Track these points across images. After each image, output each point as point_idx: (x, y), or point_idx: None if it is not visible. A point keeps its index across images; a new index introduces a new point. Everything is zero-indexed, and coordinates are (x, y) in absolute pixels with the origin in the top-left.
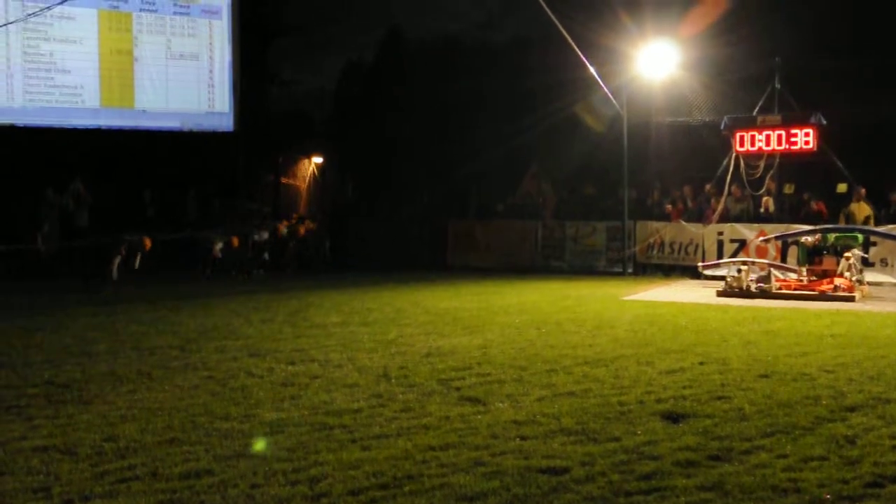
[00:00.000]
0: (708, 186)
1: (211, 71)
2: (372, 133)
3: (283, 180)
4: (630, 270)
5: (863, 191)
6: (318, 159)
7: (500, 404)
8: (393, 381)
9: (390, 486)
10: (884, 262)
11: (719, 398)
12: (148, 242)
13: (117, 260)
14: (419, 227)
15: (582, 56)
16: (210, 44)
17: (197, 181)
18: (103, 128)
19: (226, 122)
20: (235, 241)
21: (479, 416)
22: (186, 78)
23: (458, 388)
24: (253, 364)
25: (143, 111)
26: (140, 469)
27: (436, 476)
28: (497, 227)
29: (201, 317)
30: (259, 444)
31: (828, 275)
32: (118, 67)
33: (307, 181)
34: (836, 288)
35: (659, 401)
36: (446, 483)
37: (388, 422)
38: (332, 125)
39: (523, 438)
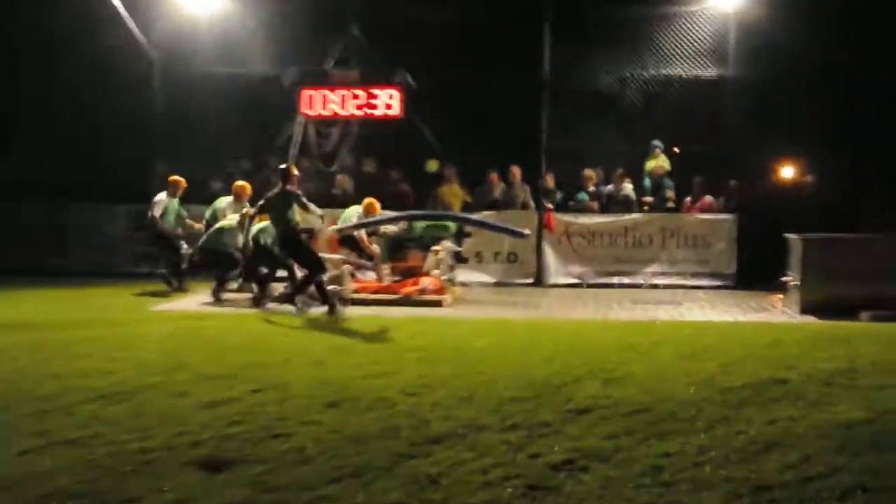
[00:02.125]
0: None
1: None
2: None
3: None
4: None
5: (453, 171)
6: None
7: None
8: None
9: None
10: (478, 257)
11: (276, 436)
12: None
13: None
14: None
15: None
16: None
17: None
18: None
19: None
20: None
21: None
22: None
23: None
24: None
25: None
26: None
27: None
28: None
29: None
30: None
31: (413, 273)
32: None
33: None
34: (422, 290)
35: (196, 444)
36: None
37: None
38: None
39: None
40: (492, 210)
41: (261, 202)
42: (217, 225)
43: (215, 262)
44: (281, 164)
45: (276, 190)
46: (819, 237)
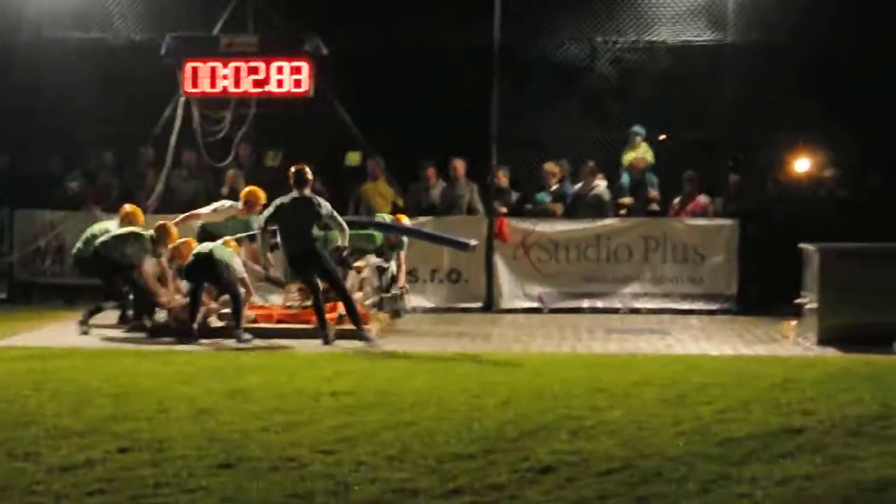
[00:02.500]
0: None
1: None
2: None
3: None
4: (3, 295)
5: (379, 165)
6: None
7: None
8: None
9: None
10: (412, 276)
11: None
12: None
13: None
14: None
15: None
16: None
17: None
18: None
19: None
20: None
21: None
22: None
23: None
24: None
25: None
26: None
27: None
28: None
29: None
30: None
31: (329, 297)
32: None
33: None
34: (340, 318)
35: None
36: None
37: None
38: None
39: None
40: (429, 215)
41: (270, 212)
42: (126, 229)
43: (99, 276)
44: (155, 154)
45: (292, 195)
46: (842, 248)
